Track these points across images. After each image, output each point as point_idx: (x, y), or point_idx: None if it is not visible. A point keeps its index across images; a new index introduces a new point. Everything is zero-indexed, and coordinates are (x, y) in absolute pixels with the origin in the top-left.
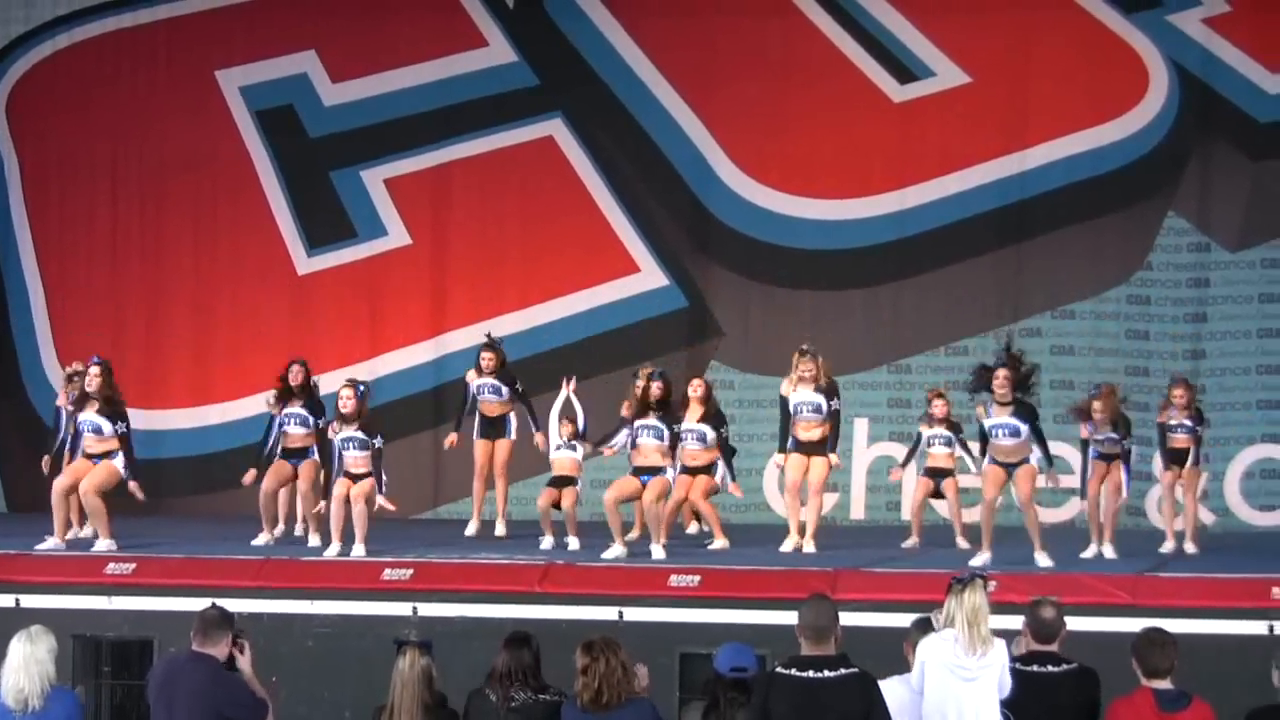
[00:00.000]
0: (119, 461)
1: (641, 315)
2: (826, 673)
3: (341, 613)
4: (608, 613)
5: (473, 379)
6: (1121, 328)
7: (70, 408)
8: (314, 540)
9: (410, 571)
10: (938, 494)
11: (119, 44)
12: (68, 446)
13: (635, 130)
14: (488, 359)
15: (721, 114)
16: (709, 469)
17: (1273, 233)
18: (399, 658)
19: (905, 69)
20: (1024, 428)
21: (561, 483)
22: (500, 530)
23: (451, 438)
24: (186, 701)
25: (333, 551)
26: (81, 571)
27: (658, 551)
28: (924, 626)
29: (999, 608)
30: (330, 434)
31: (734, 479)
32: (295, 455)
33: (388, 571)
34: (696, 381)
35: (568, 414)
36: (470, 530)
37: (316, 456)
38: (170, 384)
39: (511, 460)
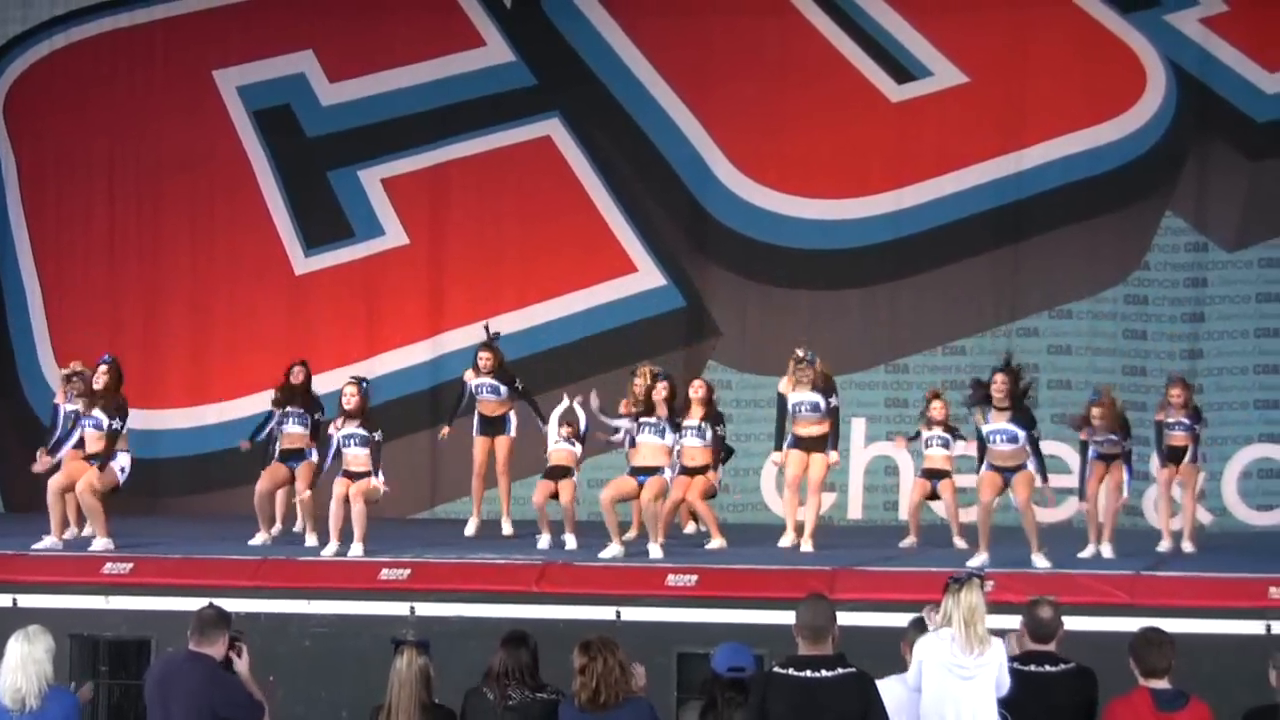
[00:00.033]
0: (117, 462)
1: (639, 315)
2: (824, 672)
3: (339, 612)
4: (605, 612)
5: (470, 378)
6: (1119, 327)
7: (75, 405)
8: (311, 540)
9: (408, 571)
10: (934, 495)
11: (116, 44)
12: (68, 444)
13: (633, 130)
14: (485, 358)
15: (719, 114)
16: (707, 470)
17: (1270, 232)
18: (396, 657)
19: (902, 69)
20: (1021, 434)
21: (557, 474)
22: (507, 529)
23: (444, 429)
24: (183, 701)
25: (330, 551)
26: (79, 571)
27: (655, 551)
28: (920, 626)
29: (997, 607)
30: (332, 429)
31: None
32: (292, 456)
33: (385, 571)
34: (698, 383)
35: (569, 419)
36: (470, 530)
37: (314, 458)
38: (167, 383)
39: (512, 458)
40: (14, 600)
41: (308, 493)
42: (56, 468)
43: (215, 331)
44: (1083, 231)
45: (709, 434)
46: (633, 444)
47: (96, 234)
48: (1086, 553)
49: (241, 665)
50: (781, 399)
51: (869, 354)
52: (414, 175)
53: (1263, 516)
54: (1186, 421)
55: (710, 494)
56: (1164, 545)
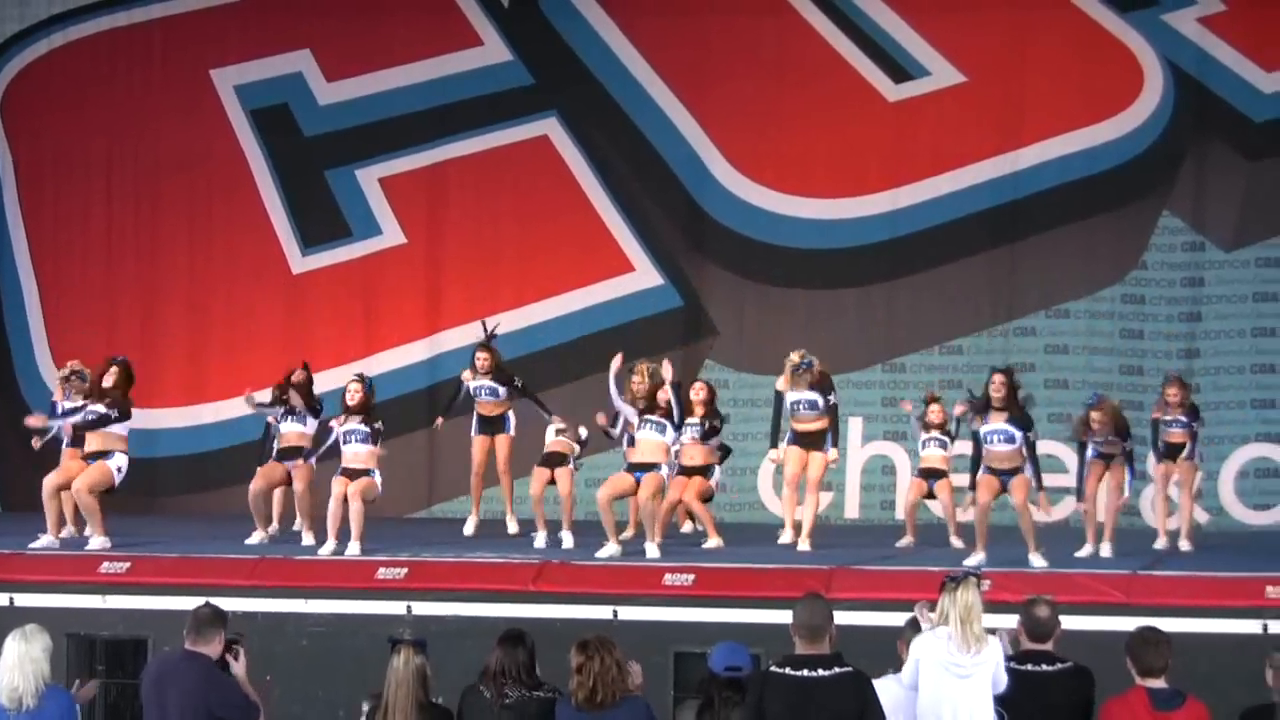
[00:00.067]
0: (114, 462)
1: (636, 314)
2: (821, 671)
3: (336, 611)
4: (602, 612)
5: (468, 378)
6: (1116, 327)
7: (74, 403)
8: (308, 539)
9: (405, 570)
10: (931, 495)
11: (114, 43)
12: (71, 418)
13: (630, 129)
14: (483, 359)
15: (716, 113)
16: (705, 470)
17: (1268, 232)
18: (393, 656)
19: (900, 68)
20: (1018, 434)
21: (554, 460)
22: (513, 528)
23: (439, 420)
24: (179, 700)
25: (327, 550)
26: (76, 570)
27: (652, 550)
28: (915, 624)
29: (994, 607)
30: (334, 424)
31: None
32: (289, 455)
33: (382, 570)
34: (699, 384)
35: (569, 435)
36: (469, 529)
37: (312, 460)
38: (165, 383)
39: (512, 456)
40: (11, 599)
41: (306, 495)
42: (51, 457)
43: (213, 331)
44: (1080, 231)
45: (709, 434)
46: (631, 443)
47: (94, 233)
48: (1083, 552)
49: (238, 668)
50: (779, 396)
51: (866, 353)
52: (411, 175)
53: (1259, 516)
54: (1184, 420)
55: (707, 496)
56: (1161, 543)
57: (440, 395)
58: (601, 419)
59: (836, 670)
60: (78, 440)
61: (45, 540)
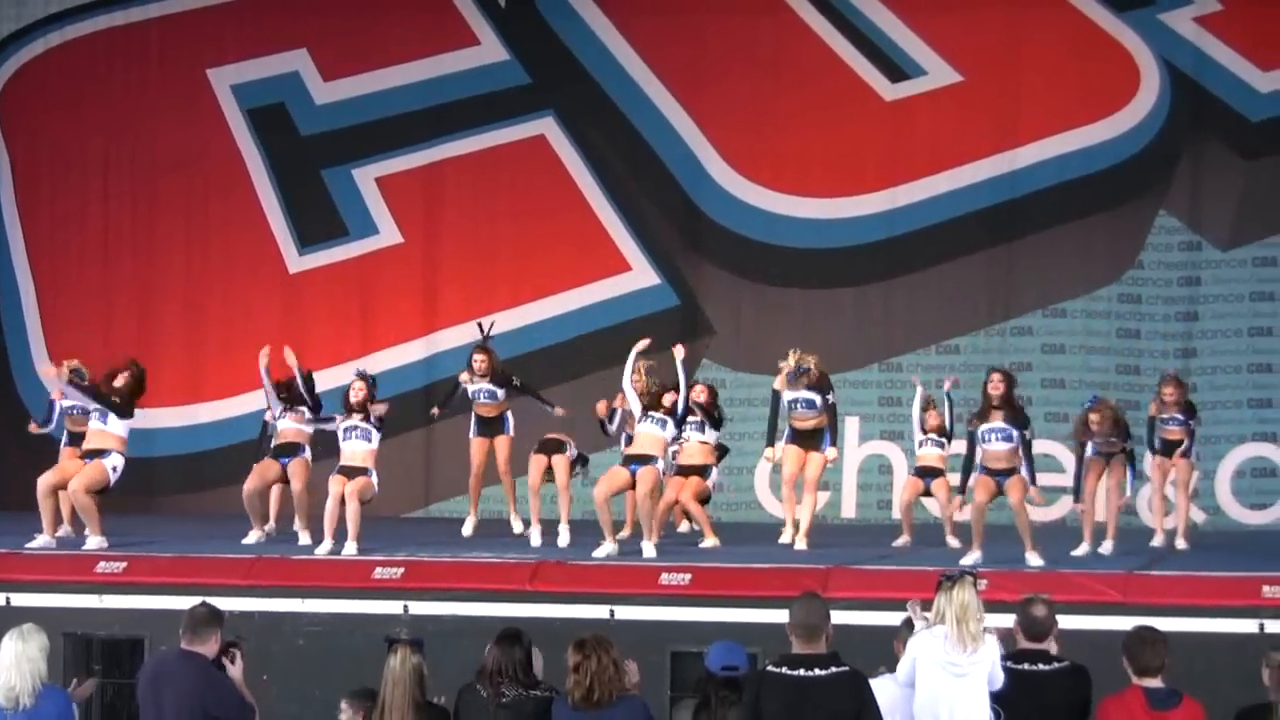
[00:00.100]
0: (109, 461)
1: (633, 314)
2: (818, 671)
3: (333, 611)
4: (599, 611)
5: (466, 380)
6: (1113, 326)
7: (72, 401)
8: (305, 538)
9: (401, 570)
10: (927, 492)
11: (110, 42)
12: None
13: (627, 129)
14: (480, 361)
15: (713, 112)
16: (703, 470)
17: (1264, 231)
18: (390, 656)
19: (896, 67)
20: (1015, 433)
21: (550, 447)
22: (518, 528)
23: (435, 409)
24: (174, 700)
25: (324, 550)
26: (72, 570)
27: (649, 550)
28: (910, 623)
29: (990, 606)
30: (336, 419)
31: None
32: (285, 452)
33: (379, 570)
34: (700, 387)
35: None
36: (467, 530)
37: (308, 454)
38: (161, 382)
39: (512, 456)
40: (7, 599)
41: (304, 493)
42: (49, 457)
43: (209, 330)
44: (1077, 230)
45: (710, 431)
46: (629, 442)
47: (91, 232)
48: (1080, 551)
49: (235, 671)
50: (775, 396)
51: (863, 353)
52: (408, 174)
53: (1256, 515)
54: (1180, 418)
55: (704, 497)
56: (1158, 540)
57: (437, 395)
58: (602, 408)
59: (833, 670)
60: (75, 439)
61: (42, 540)
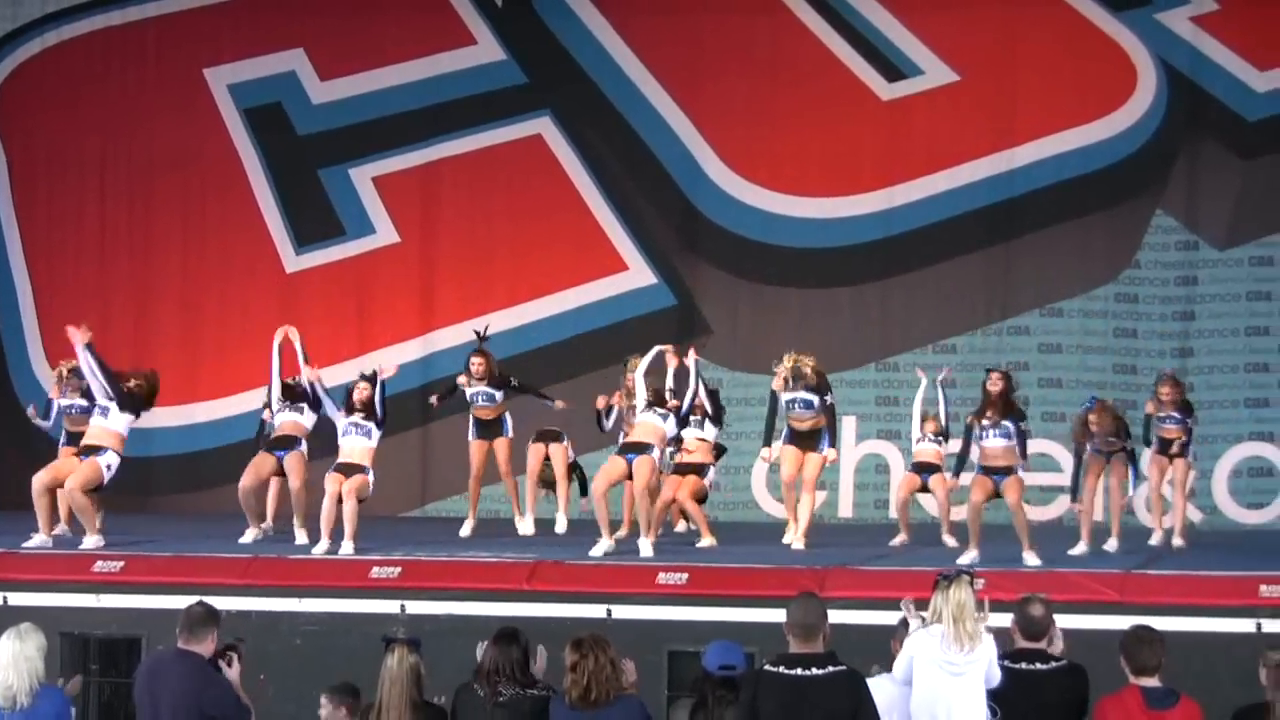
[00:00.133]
0: (104, 459)
1: (630, 313)
2: (814, 670)
3: (330, 610)
4: (596, 610)
5: (464, 383)
6: (1110, 325)
7: (71, 400)
8: (301, 538)
9: (398, 569)
10: (925, 488)
11: (107, 42)
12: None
13: (623, 128)
14: (478, 364)
15: (710, 112)
16: (701, 469)
17: (1261, 231)
18: (387, 655)
19: (893, 67)
20: (1013, 427)
21: (548, 436)
22: (523, 530)
23: (434, 398)
24: (170, 699)
25: (321, 549)
26: (70, 569)
27: (646, 549)
28: (906, 621)
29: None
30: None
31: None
32: (281, 445)
33: (376, 569)
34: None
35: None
36: (465, 530)
37: (304, 448)
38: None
39: (511, 457)
40: (5, 599)
41: (302, 490)
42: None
43: (206, 330)
44: (1074, 230)
45: (711, 428)
46: (623, 432)
47: (88, 232)
48: (1078, 550)
49: (232, 673)
50: (773, 396)
51: (860, 352)
52: (405, 173)
53: (1253, 515)
54: (1177, 416)
55: (701, 496)
56: (1156, 538)
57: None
58: (601, 401)
59: (830, 669)
60: (73, 439)
61: (38, 539)
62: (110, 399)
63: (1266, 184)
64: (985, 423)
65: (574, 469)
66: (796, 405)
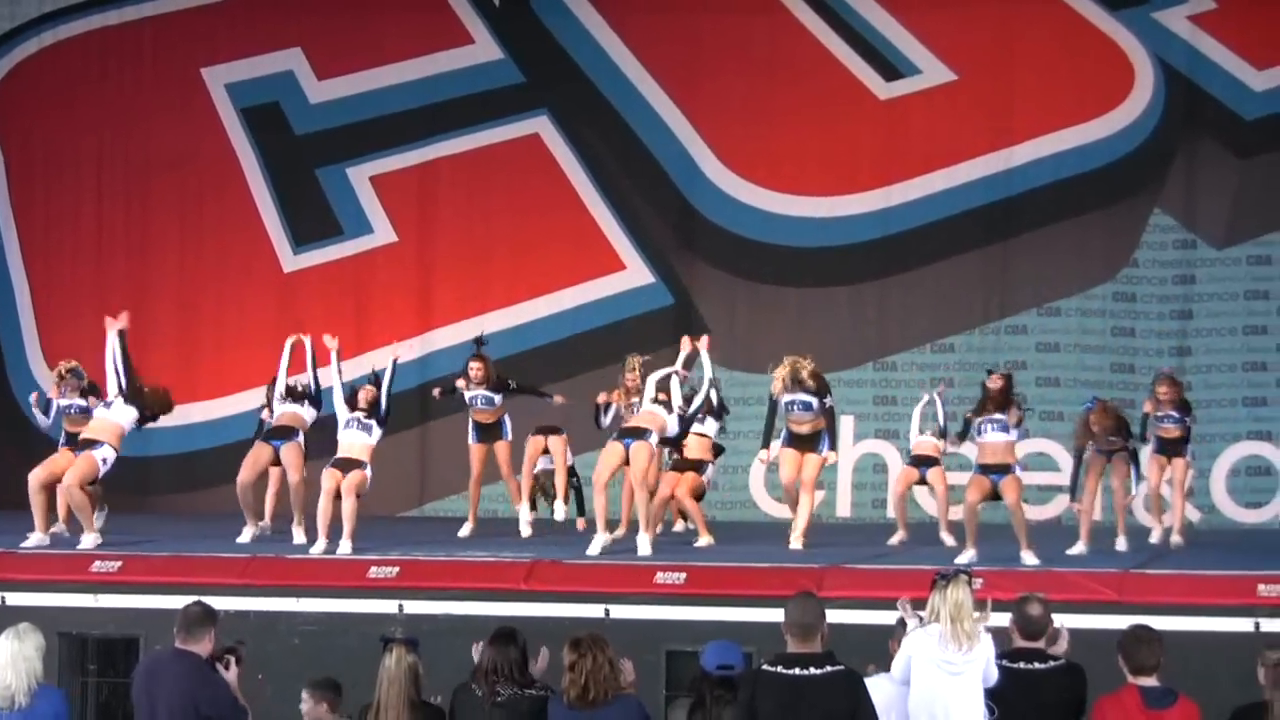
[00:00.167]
0: (100, 452)
1: (627, 312)
2: (813, 670)
3: (328, 610)
4: (594, 610)
5: (463, 386)
6: (1107, 325)
7: (70, 400)
8: (299, 537)
9: (396, 569)
10: (923, 481)
11: (104, 41)
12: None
13: (621, 127)
14: (476, 369)
15: (707, 111)
16: (699, 466)
17: (1259, 229)
18: (385, 655)
19: (891, 66)
20: (1011, 423)
21: (548, 430)
22: (527, 532)
23: (436, 390)
24: (167, 699)
25: (318, 549)
26: (67, 569)
27: (644, 546)
28: (905, 622)
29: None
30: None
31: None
32: (279, 435)
33: (374, 569)
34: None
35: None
36: (464, 532)
37: (302, 439)
38: (155, 382)
39: (511, 459)
40: (3, 599)
41: (301, 483)
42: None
43: (203, 329)
44: (1071, 229)
45: (712, 425)
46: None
47: (85, 232)
48: (1076, 550)
49: (230, 675)
50: (772, 403)
51: (857, 352)
52: (402, 173)
53: (1251, 514)
54: (1176, 415)
55: (699, 493)
56: (1155, 536)
57: (431, 396)
58: (603, 397)
59: (828, 669)
60: (73, 440)
61: (35, 538)
62: (121, 393)
63: (1264, 183)
64: (982, 419)
65: (572, 474)
66: (796, 407)
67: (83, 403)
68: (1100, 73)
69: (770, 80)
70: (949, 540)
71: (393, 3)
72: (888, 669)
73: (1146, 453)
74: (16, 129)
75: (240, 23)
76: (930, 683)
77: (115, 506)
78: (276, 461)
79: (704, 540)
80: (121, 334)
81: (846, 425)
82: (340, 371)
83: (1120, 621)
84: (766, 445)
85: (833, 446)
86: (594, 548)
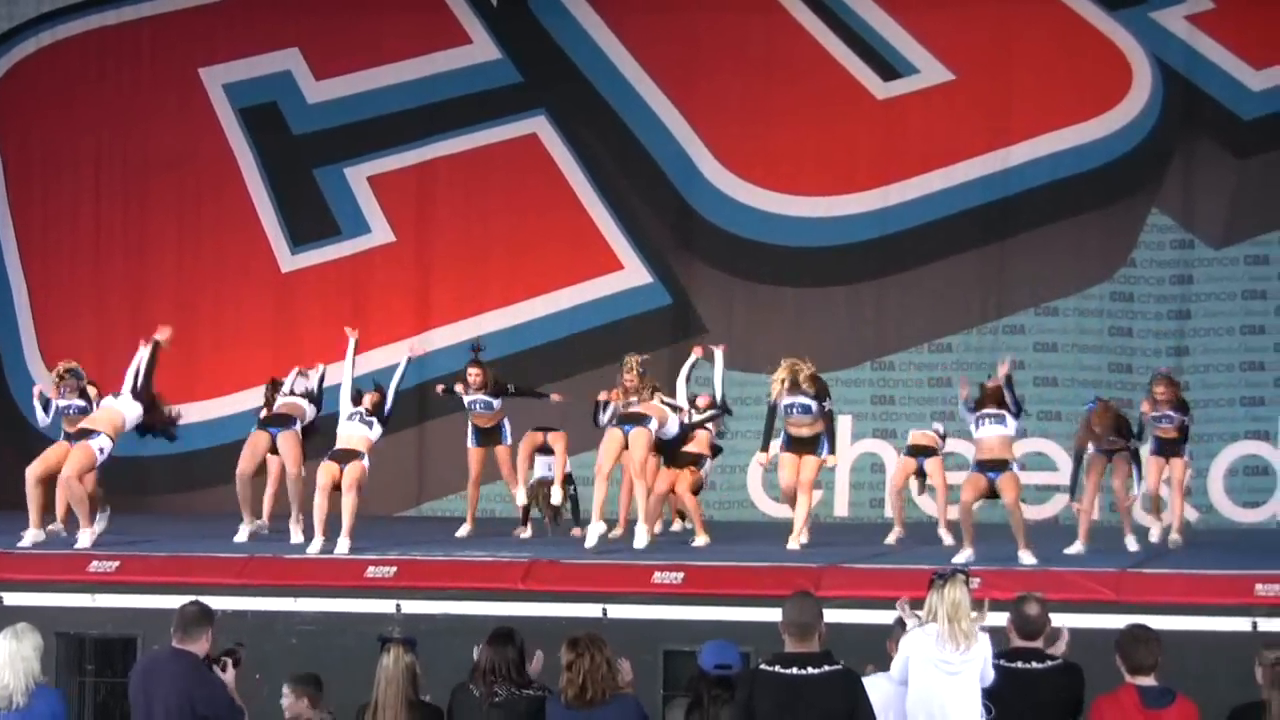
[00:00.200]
0: (96, 442)
1: (625, 313)
2: (810, 670)
3: (325, 610)
4: (592, 610)
5: (461, 390)
6: (1105, 324)
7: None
8: (297, 536)
9: (394, 569)
10: (920, 472)
11: (103, 41)
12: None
13: (619, 127)
14: (475, 376)
15: (705, 110)
16: (697, 460)
17: (1257, 229)
18: (383, 654)
19: (889, 66)
20: (1010, 417)
21: (546, 428)
22: (527, 533)
23: (439, 387)
24: (164, 699)
25: (316, 547)
26: (65, 569)
27: (641, 539)
28: (902, 622)
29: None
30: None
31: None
32: (277, 423)
33: (371, 569)
34: (703, 398)
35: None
36: (462, 532)
37: (299, 428)
38: (153, 382)
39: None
40: (0, 598)
41: (299, 475)
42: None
43: (201, 329)
44: (1069, 228)
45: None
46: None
47: (83, 232)
48: (1074, 549)
49: (227, 676)
50: (771, 408)
51: (855, 351)
52: (400, 173)
53: (1249, 513)
54: (1173, 414)
55: (697, 487)
56: (1154, 534)
57: (429, 396)
58: (603, 395)
59: (826, 668)
60: (70, 439)
61: (30, 535)
62: (133, 392)
63: (1262, 182)
64: (981, 412)
65: (569, 482)
66: (795, 410)
67: (81, 403)
68: (1098, 72)
69: (768, 80)
70: (947, 538)
71: (390, 3)
72: (886, 668)
73: (1144, 452)
74: (14, 129)
75: (238, 23)
76: (928, 682)
77: (113, 506)
78: (274, 450)
79: (700, 539)
80: (156, 346)
81: (844, 425)
82: (354, 365)
83: (1118, 621)
84: (765, 448)
85: (832, 450)
86: (590, 538)
